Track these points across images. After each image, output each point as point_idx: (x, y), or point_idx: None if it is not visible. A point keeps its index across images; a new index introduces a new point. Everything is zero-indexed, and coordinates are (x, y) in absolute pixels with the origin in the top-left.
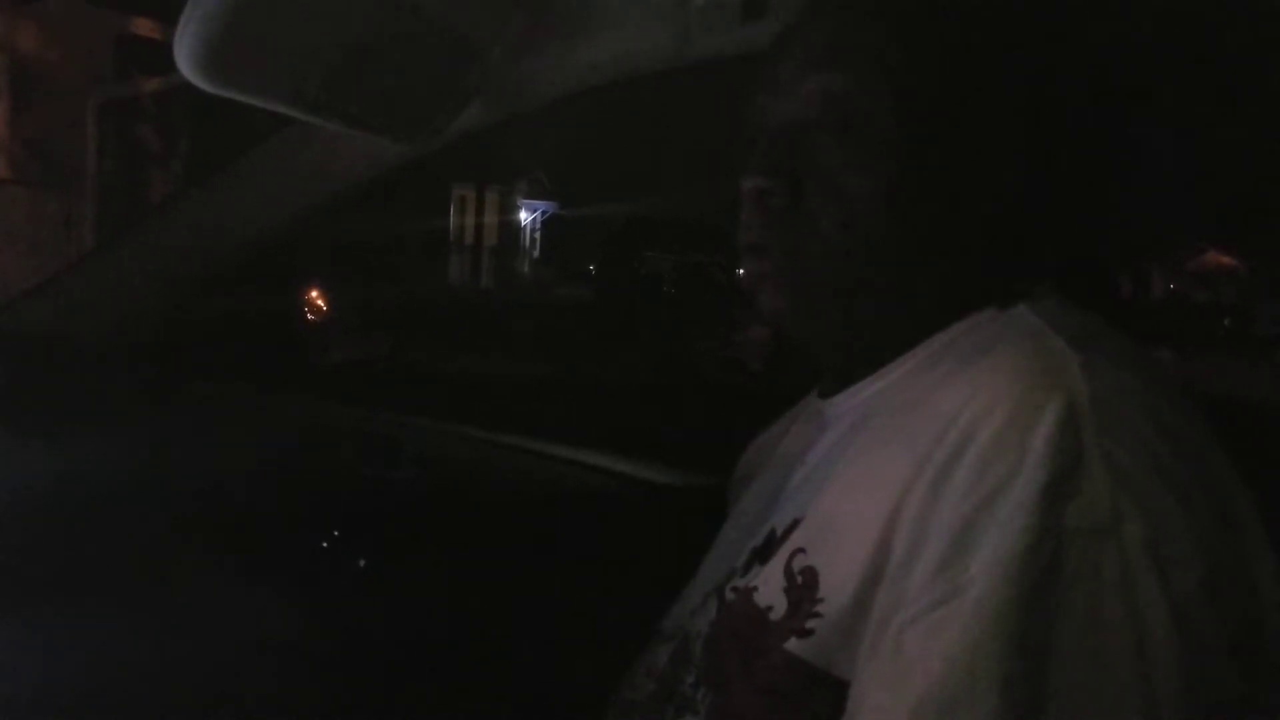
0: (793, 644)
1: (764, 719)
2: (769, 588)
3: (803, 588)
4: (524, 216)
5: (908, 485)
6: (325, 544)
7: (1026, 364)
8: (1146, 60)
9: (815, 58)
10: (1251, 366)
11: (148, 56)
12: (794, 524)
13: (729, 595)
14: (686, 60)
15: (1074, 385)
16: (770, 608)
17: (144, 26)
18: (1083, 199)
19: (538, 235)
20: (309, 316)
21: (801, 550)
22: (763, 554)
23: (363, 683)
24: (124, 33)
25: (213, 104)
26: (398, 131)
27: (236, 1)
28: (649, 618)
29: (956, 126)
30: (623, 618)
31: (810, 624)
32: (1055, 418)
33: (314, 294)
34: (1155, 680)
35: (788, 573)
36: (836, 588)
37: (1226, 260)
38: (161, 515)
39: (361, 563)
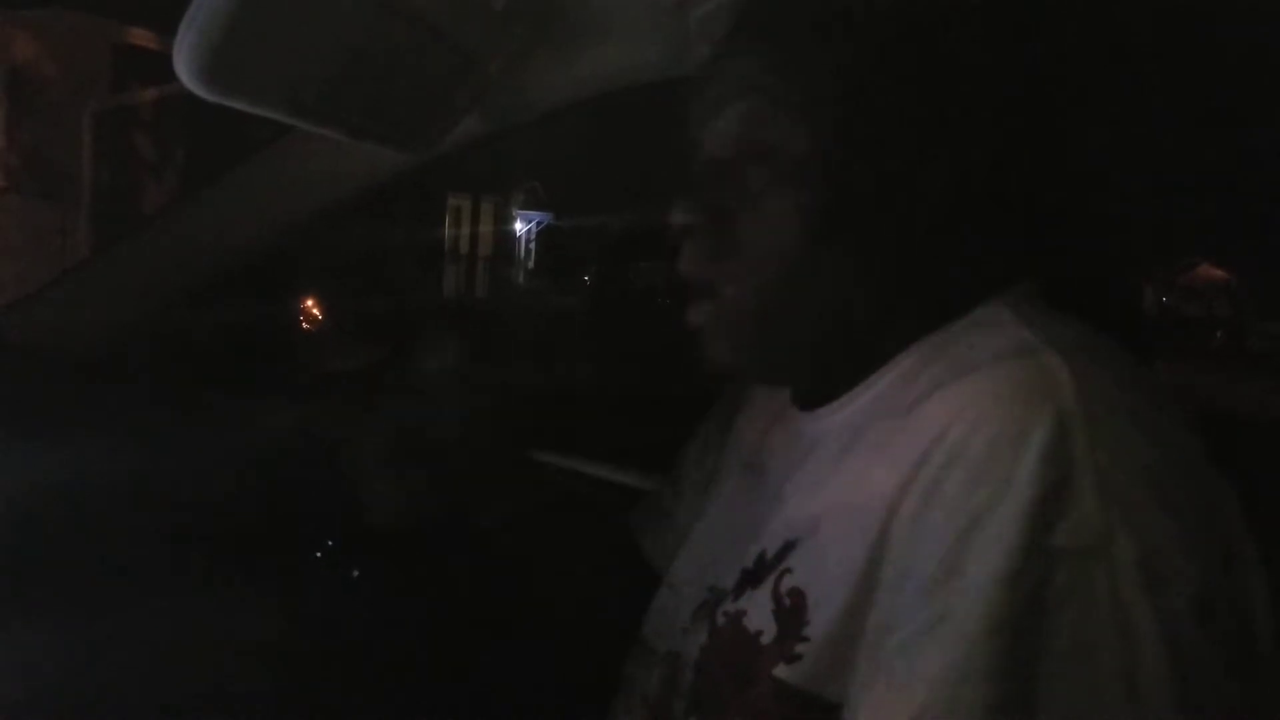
0: (781, 669)
1: None
2: (758, 611)
3: (790, 611)
4: (519, 227)
5: (895, 505)
6: (320, 553)
7: (1014, 377)
8: (1102, 61)
9: (733, 87)
10: (1244, 380)
11: (144, 66)
12: (786, 547)
13: (720, 620)
14: (684, 71)
15: (1064, 399)
16: (760, 632)
17: (140, 36)
18: (1037, 203)
19: (533, 245)
20: (304, 326)
21: (789, 571)
22: (754, 577)
23: (357, 693)
24: (120, 42)
25: (209, 114)
26: (395, 141)
27: (235, 10)
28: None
29: (876, 145)
30: (619, 630)
31: (799, 648)
32: (1045, 433)
33: (309, 303)
34: (1146, 703)
35: (776, 595)
36: (824, 610)
37: (1219, 273)
38: (155, 526)
39: (355, 573)
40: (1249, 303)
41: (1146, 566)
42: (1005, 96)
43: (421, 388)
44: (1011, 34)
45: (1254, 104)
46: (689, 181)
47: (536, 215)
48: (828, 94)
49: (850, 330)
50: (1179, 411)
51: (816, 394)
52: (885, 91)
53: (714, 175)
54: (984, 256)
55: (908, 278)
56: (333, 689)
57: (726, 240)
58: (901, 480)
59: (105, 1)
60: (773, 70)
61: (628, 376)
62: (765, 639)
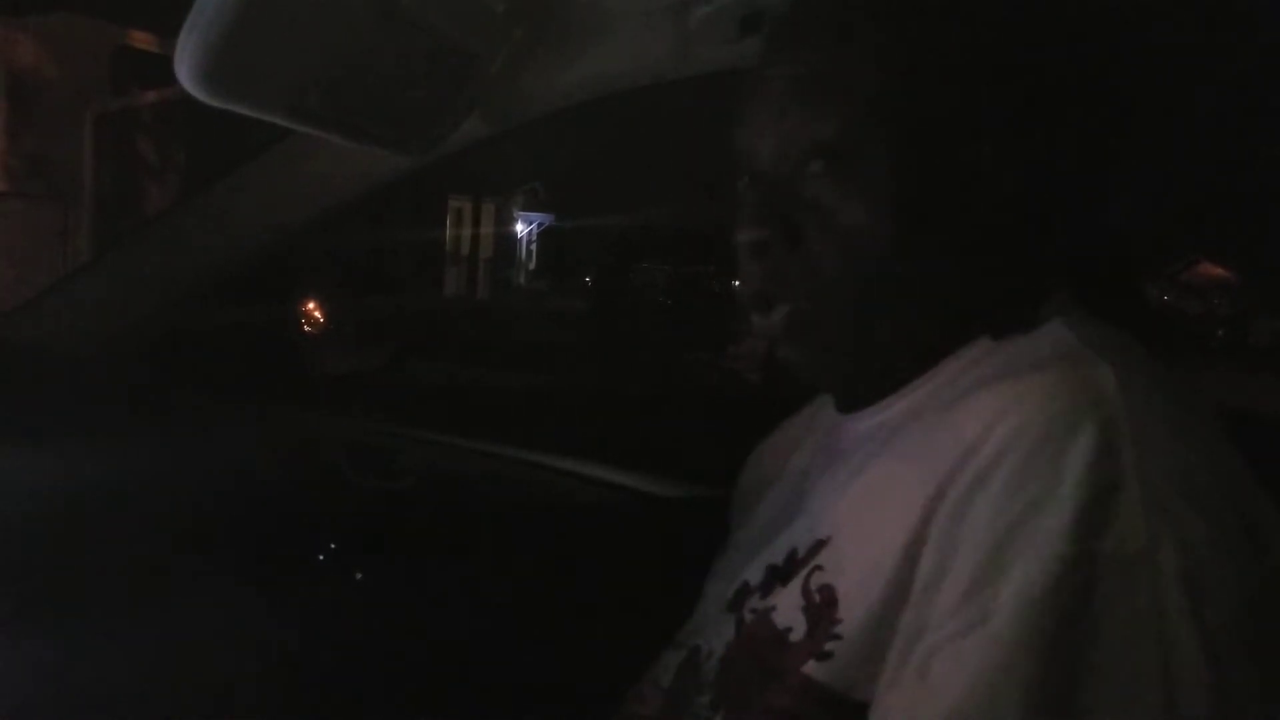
0: (811, 666)
1: None
2: (788, 608)
3: (821, 607)
4: (520, 228)
5: (934, 503)
6: (322, 556)
7: (1061, 382)
8: (1144, 68)
9: (796, 94)
10: (1246, 377)
11: (145, 69)
12: (816, 545)
13: (748, 616)
14: (685, 73)
15: (1111, 406)
16: (789, 629)
17: (141, 39)
18: (1089, 209)
19: (534, 247)
20: (306, 328)
21: (820, 568)
22: (783, 574)
23: (359, 695)
24: (121, 45)
25: (209, 117)
26: (397, 143)
27: (237, 14)
28: (647, 630)
29: (946, 149)
30: (620, 631)
31: (829, 645)
32: (1092, 439)
33: (310, 305)
34: (1184, 712)
35: (805, 592)
36: (856, 607)
37: (1219, 271)
38: (158, 526)
39: (358, 575)
40: (1250, 300)
41: (1188, 576)
42: (1077, 100)
43: None
44: (1082, 36)
45: (1255, 103)
46: (748, 197)
47: (537, 216)
48: (896, 97)
49: (909, 335)
50: (1217, 420)
51: (860, 397)
52: (954, 92)
53: (778, 189)
54: (1031, 263)
55: (966, 284)
56: (334, 690)
57: (797, 254)
58: (940, 479)
59: (107, 5)
60: (836, 75)
61: (629, 376)
62: (794, 636)
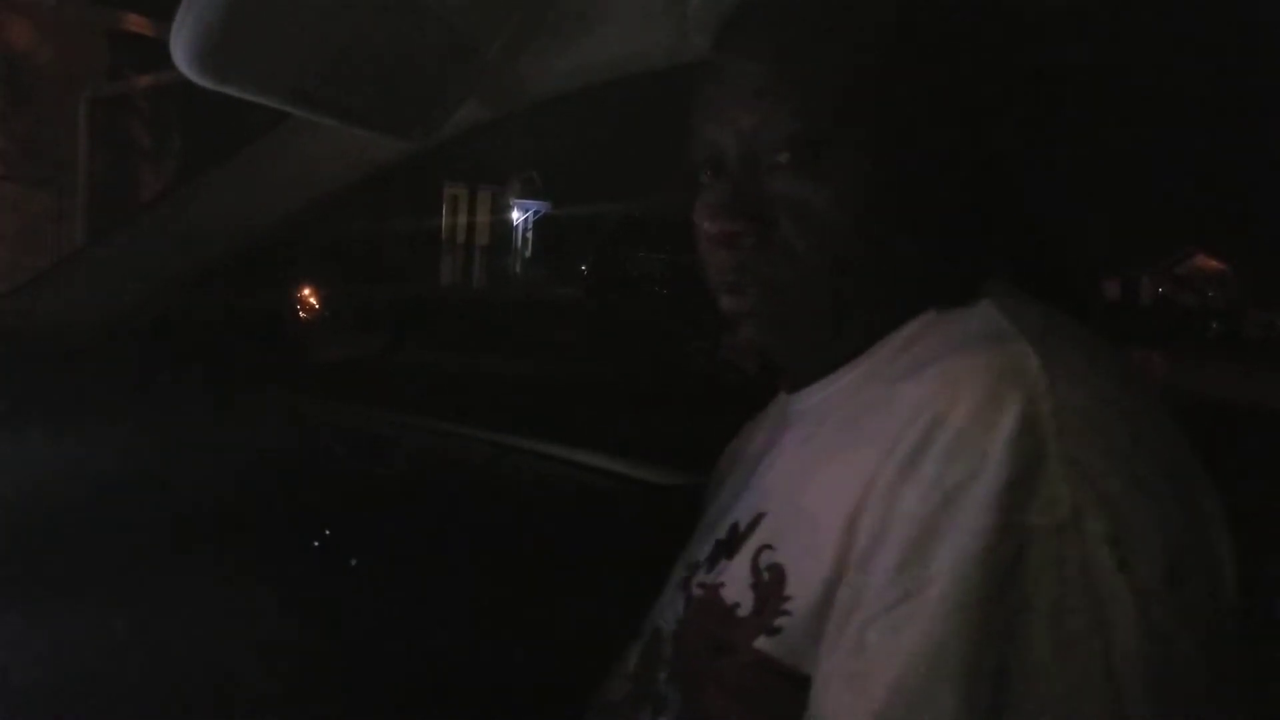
0: (762, 641)
1: (735, 717)
2: (735, 584)
3: (770, 584)
4: (516, 216)
5: (871, 481)
6: (317, 541)
7: (987, 363)
8: (1104, 60)
9: (760, 87)
10: (1240, 369)
11: (141, 53)
12: (757, 518)
13: (695, 591)
14: (683, 59)
15: (1034, 385)
16: (737, 604)
17: (137, 23)
18: (1031, 197)
19: (530, 234)
20: (302, 314)
21: (769, 547)
22: (727, 548)
23: (351, 680)
24: (117, 29)
25: (206, 101)
26: (394, 128)
27: None
28: (639, 618)
29: (909, 139)
30: (615, 618)
31: (779, 621)
32: (1015, 418)
33: (307, 291)
34: (1120, 673)
35: (754, 569)
36: (804, 585)
37: (1214, 264)
38: (151, 512)
39: (353, 561)
40: (1244, 292)
41: (1116, 541)
42: (1033, 92)
43: None
44: (1027, 27)
45: (1250, 99)
46: (718, 189)
47: (534, 204)
48: (860, 86)
49: (862, 315)
50: (1149, 389)
51: (807, 375)
52: (912, 79)
53: (748, 181)
54: (970, 246)
55: (917, 266)
56: (326, 675)
57: (767, 244)
58: (877, 458)
59: None
60: (801, 66)
61: (624, 365)
62: (742, 611)
